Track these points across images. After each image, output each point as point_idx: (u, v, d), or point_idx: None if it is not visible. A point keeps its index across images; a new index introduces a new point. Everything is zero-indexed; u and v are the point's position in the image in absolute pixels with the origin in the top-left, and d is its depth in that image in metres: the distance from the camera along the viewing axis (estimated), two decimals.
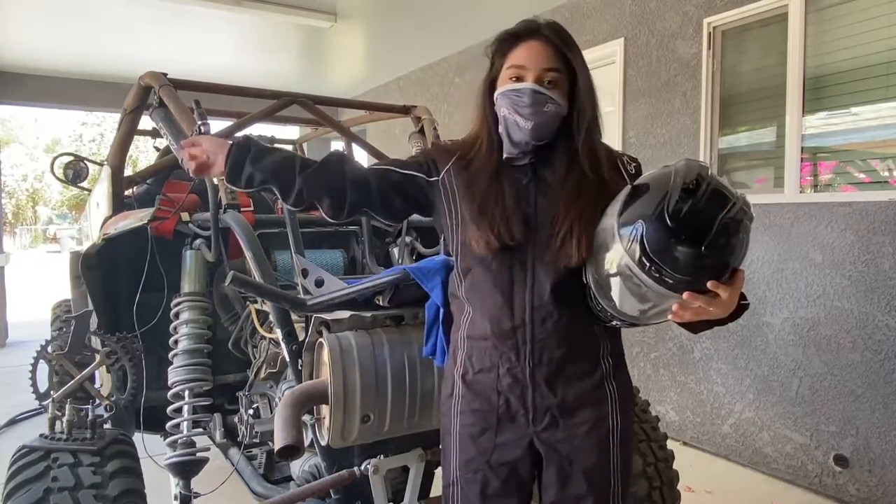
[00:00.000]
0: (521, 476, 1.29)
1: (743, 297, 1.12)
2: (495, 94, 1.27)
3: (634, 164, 1.34)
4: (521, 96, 1.22)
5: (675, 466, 2.10)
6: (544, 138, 1.25)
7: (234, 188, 1.36)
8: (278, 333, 1.77)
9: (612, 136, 3.97)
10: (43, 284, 13.19)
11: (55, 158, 3.09)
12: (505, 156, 1.29)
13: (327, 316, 1.64)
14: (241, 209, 2.01)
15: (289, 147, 4.45)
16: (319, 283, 1.84)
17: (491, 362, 1.27)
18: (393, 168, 1.37)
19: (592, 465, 1.26)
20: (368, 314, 1.67)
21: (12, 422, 4.11)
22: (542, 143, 1.26)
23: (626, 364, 1.35)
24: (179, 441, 2.06)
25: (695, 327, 1.13)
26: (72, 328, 2.20)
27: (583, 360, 1.26)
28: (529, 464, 1.29)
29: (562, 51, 1.24)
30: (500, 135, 1.29)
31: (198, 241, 2.24)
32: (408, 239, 2.60)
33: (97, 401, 2.07)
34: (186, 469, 2.02)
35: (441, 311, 1.45)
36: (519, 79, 1.23)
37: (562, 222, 1.21)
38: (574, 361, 1.25)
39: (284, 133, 11.38)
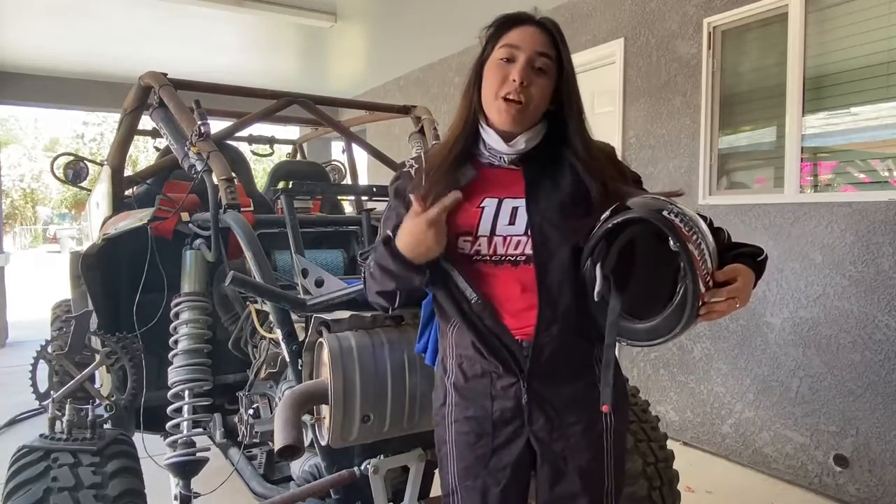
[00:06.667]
0: (519, 480, 1.28)
1: (758, 251, 1.17)
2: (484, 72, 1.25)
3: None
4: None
5: (675, 466, 2.10)
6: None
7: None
8: (278, 333, 1.76)
9: (612, 136, 3.95)
10: (43, 284, 13.18)
11: (55, 158, 3.09)
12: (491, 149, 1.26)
13: (327, 316, 1.64)
14: (241, 209, 2.00)
15: (288, 147, 4.46)
16: (319, 283, 1.83)
17: (483, 368, 1.25)
18: None
19: (586, 464, 1.25)
20: (368, 314, 1.66)
21: (12, 422, 4.11)
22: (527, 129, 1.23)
23: (619, 367, 1.34)
24: (179, 441, 2.06)
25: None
26: (72, 328, 2.21)
27: (576, 363, 1.25)
28: (527, 465, 1.28)
29: (556, 43, 1.22)
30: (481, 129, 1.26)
31: (198, 241, 2.24)
32: None
33: (97, 401, 2.08)
34: (186, 469, 2.02)
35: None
36: (510, 60, 1.20)
37: (547, 230, 1.20)
38: (567, 364, 1.23)
39: (284, 133, 11.38)
